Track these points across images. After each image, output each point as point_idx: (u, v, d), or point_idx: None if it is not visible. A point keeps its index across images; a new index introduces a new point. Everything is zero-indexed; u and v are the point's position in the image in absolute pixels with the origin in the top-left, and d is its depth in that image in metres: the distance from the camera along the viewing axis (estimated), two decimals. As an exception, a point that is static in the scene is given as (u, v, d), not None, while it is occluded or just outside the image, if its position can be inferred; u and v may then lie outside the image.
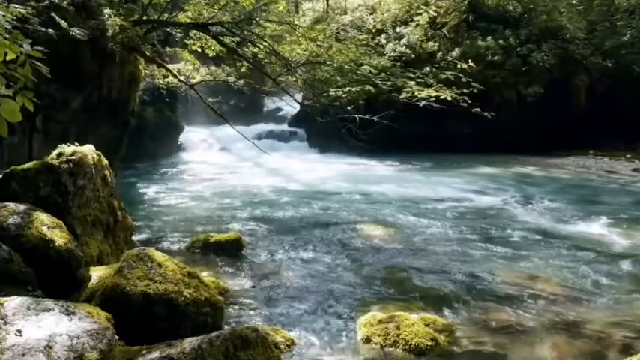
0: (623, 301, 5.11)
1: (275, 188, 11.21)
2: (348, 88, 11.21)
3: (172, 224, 7.94)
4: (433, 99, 11.15)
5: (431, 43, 18.37)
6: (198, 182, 12.16)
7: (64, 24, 7.31)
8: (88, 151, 4.47)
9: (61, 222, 3.77)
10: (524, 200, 10.24)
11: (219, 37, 10.12)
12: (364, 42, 16.36)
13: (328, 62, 10.60)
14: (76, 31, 7.46)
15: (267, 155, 11.94)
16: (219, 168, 14.40)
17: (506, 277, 5.71)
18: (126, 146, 11.06)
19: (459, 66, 16.10)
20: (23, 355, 2.33)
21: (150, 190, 10.91)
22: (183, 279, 3.58)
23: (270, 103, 21.34)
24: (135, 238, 5.78)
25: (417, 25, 18.46)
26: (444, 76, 13.81)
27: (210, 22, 9.69)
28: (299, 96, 13.91)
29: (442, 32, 18.72)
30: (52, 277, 3.47)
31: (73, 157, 4.24)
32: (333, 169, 14.24)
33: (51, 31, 6.83)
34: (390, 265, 6.11)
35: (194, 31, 10.74)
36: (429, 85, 11.73)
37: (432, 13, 18.75)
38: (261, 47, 10.18)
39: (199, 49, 11.31)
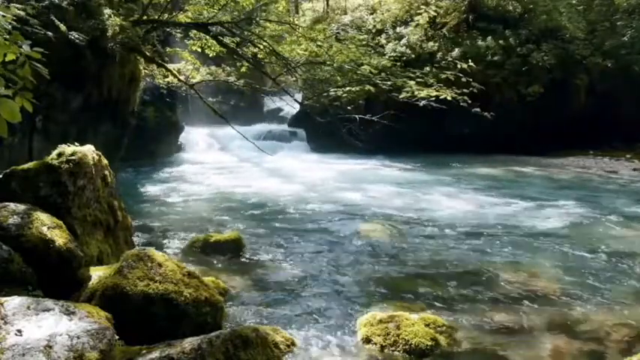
0: (623, 301, 5.11)
1: (275, 188, 11.20)
2: (348, 88, 11.20)
3: (172, 224, 7.94)
4: (433, 99, 11.15)
5: (431, 43, 18.37)
6: (198, 182, 12.15)
7: (62, 27, 7.31)
8: (88, 151, 4.46)
9: (61, 222, 3.76)
10: (524, 200, 10.24)
11: (219, 37, 10.13)
12: (364, 42, 16.36)
13: (328, 62, 10.59)
14: (75, 35, 7.45)
15: (268, 155, 11.93)
16: (219, 168, 14.40)
17: (507, 277, 5.71)
18: (126, 146, 11.07)
19: (459, 66, 16.13)
20: (23, 355, 2.33)
21: (150, 190, 10.91)
22: (183, 279, 3.59)
23: (270, 103, 21.35)
24: (135, 238, 5.78)
25: (417, 25, 18.48)
26: (443, 76, 13.81)
27: (210, 22, 9.70)
28: (299, 96, 13.90)
29: (442, 32, 18.72)
30: (52, 277, 3.47)
31: (73, 157, 4.23)
32: (333, 169, 14.24)
33: (50, 34, 6.82)
34: (390, 265, 6.11)
35: (194, 31, 10.74)
36: (429, 85, 11.72)
37: (432, 13, 18.76)
38: (261, 47, 10.18)
39: (199, 49, 11.30)
